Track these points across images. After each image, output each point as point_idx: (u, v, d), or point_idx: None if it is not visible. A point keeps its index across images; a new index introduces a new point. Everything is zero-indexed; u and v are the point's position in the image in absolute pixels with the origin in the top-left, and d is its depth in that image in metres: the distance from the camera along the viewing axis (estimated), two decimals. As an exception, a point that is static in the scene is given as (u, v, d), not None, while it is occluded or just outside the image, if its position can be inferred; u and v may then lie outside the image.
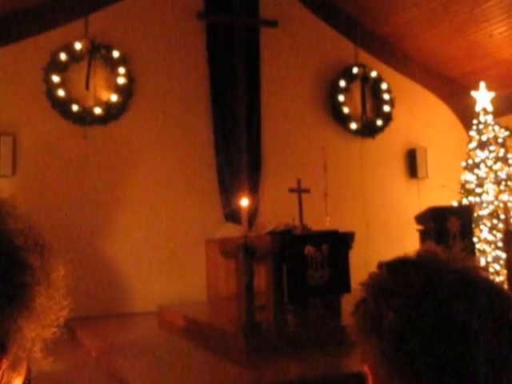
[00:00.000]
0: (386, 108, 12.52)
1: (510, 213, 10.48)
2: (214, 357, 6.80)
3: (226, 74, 11.16)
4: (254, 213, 10.92)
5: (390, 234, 11.69)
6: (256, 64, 11.48)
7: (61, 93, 10.10)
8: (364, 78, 12.44)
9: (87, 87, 10.28)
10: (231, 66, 11.17)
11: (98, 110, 10.29)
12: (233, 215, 10.53)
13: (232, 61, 11.17)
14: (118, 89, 10.46)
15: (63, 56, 10.15)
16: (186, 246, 10.55)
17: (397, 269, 0.89)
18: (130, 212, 10.43)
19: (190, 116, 10.99)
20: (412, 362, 0.81)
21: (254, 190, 11.03)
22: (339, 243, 7.39)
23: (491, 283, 0.87)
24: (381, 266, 0.93)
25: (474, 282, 0.84)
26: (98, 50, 10.38)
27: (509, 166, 11.29)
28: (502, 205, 10.49)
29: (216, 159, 11.07)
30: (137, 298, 10.23)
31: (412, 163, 12.76)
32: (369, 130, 12.36)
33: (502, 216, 10.58)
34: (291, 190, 8.46)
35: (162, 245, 10.48)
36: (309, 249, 6.91)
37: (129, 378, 5.84)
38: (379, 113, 12.51)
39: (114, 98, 10.39)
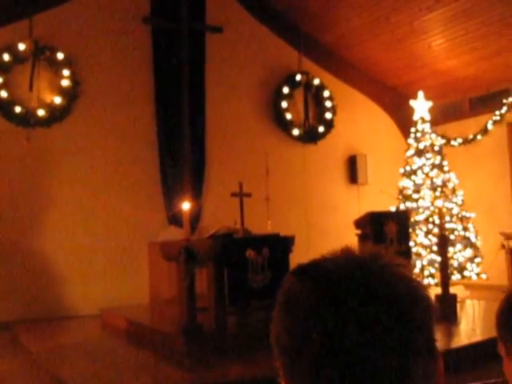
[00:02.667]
0: (328, 115, 12.82)
1: (444, 218, 10.89)
2: (155, 359, 6.84)
3: (170, 78, 11.22)
4: (197, 216, 11.01)
5: (330, 238, 11.95)
6: (201, 69, 11.57)
7: (3, 94, 9.96)
8: (307, 85, 12.70)
9: (31, 89, 10.16)
10: (176, 70, 11.23)
11: (41, 112, 10.19)
12: (176, 218, 10.58)
13: (177, 65, 11.23)
14: (62, 91, 10.38)
15: (6, 57, 10.01)
16: (128, 249, 10.55)
17: (304, 273, 0.85)
18: (72, 214, 10.36)
19: (134, 119, 10.99)
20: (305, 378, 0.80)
21: (197, 194, 11.12)
22: (280, 247, 7.54)
23: (408, 293, 0.83)
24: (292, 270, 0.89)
25: (386, 292, 0.80)
26: (42, 52, 10.27)
27: (444, 172, 11.72)
28: (437, 210, 10.89)
29: (160, 162, 11.11)
30: (79, 301, 10.17)
31: (352, 169, 13.11)
32: (311, 137, 12.62)
33: (437, 221, 10.98)
34: (233, 194, 8.58)
35: (104, 247, 10.44)
36: (250, 252, 7.03)
37: (70, 382, 5.83)
38: (321, 120, 12.79)
39: (57, 100, 10.31)
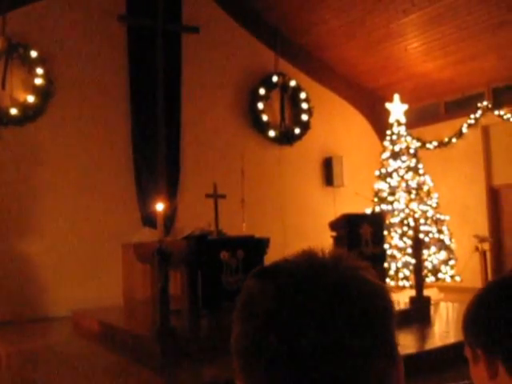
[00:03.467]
0: (304, 117, 12.83)
1: (419, 220, 10.96)
2: (128, 362, 6.77)
3: (146, 77, 11.14)
4: (172, 218, 10.94)
5: (306, 240, 11.92)
6: (177, 69, 11.50)
7: (-25, 92, 9.82)
8: (283, 86, 12.70)
9: (3, 87, 10.01)
10: (152, 69, 11.15)
11: (14, 111, 10.04)
12: (150, 219, 10.50)
13: (153, 65, 11.15)
14: (35, 90, 10.24)
15: (-22, 54, 9.87)
16: (102, 250, 10.43)
17: (264, 276, 0.84)
18: (44, 215, 10.22)
19: (108, 119, 10.89)
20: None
21: (172, 195, 11.04)
22: (255, 249, 7.53)
23: (369, 295, 0.82)
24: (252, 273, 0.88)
25: (347, 295, 0.79)
26: (15, 50, 10.12)
27: (419, 175, 11.79)
28: (412, 213, 10.96)
29: (134, 163, 11.02)
30: (51, 303, 10.03)
31: (328, 171, 13.13)
32: (287, 138, 12.63)
33: (412, 223, 11.05)
34: (207, 196, 8.54)
35: (77, 249, 10.32)
36: (224, 254, 7.01)
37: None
38: (297, 121, 12.80)
39: (30, 98, 10.17)
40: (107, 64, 10.95)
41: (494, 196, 12.72)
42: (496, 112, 12.18)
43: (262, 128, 12.41)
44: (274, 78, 12.61)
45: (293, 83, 12.79)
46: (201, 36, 11.62)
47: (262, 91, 12.43)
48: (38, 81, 10.23)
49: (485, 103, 12.38)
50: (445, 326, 8.29)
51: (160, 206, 6.81)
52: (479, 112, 12.42)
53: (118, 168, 10.88)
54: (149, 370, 6.29)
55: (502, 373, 1.22)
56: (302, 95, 12.86)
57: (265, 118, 12.42)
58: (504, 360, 1.23)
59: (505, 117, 12.03)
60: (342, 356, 0.76)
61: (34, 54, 10.21)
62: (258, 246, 7.65)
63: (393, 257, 11.21)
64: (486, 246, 10.95)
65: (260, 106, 12.37)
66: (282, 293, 0.80)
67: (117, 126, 10.95)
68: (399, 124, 12.08)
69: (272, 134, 12.47)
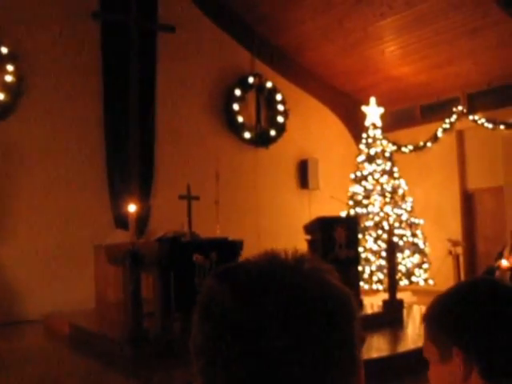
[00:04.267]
0: (280, 119, 12.80)
1: (393, 224, 11.00)
2: (100, 365, 6.70)
3: (120, 76, 11.00)
4: (145, 219, 10.82)
5: (280, 243, 11.86)
6: (152, 68, 11.39)
7: None
8: (259, 88, 12.66)
9: (-28, 84, 9.83)
10: (126, 68, 11.02)
11: (-17, 109, 9.86)
12: (123, 221, 10.38)
13: (127, 63, 11.03)
14: (5, 87, 10.05)
15: None
16: (74, 252, 10.28)
17: (226, 276, 0.84)
18: (15, 216, 10.05)
19: (81, 118, 10.74)
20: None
21: (145, 196, 10.93)
22: (228, 251, 7.46)
23: (331, 296, 0.82)
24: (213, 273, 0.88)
25: (308, 297, 0.80)
26: (-16, 46, 9.94)
27: (394, 179, 11.84)
28: (386, 216, 11.00)
29: (107, 163, 10.88)
30: (23, 306, 9.86)
31: (304, 174, 13.12)
32: (262, 140, 12.59)
33: (387, 227, 11.09)
34: (181, 197, 8.45)
35: (49, 250, 10.16)
36: (197, 256, 6.93)
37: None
38: (273, 123, 12.77)
39: (0, 96, 9.98)
40: (80, 62, 10.79)
41: (467, 200, 12.84)
42: (471, 117, 12.29)
43: (237, 129, 12.36)
44: (250, 79, 12.57)
45: (269, 84, 12.76)
46: (177, 35, 11.52)
47: (237, 92, 12.37)
48: (9, 78, 10.05)
49: (460, 108, 12.48)
50: (418, 328, 8.32)
51: (132, 208, 6.72)
52: (454, 116, 12.52)
53: (91, 169, 10.74)
54: (121, 373, 6.27)
55: (474, 373, 1.25)
56: (278, 97, 12.83)
57: (240, 119, 12.36)
58: (478, 360, 1.25)
59: (479, 122, 12.14)
60: (299, 358, 0.76)
61: (4, 50, 10.02)
62: (232, 248, 7.59)
63: (367, 260, 11.25)
64: (459, 250, 11.05)
65: (235, 107, 12.31)
66: (240, 293, 0.80)
67: (90, 126, 10.80)
68: (375, 127, 12.13)
69: (247, 135, 12.42)
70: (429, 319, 1.36)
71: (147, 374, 6.07)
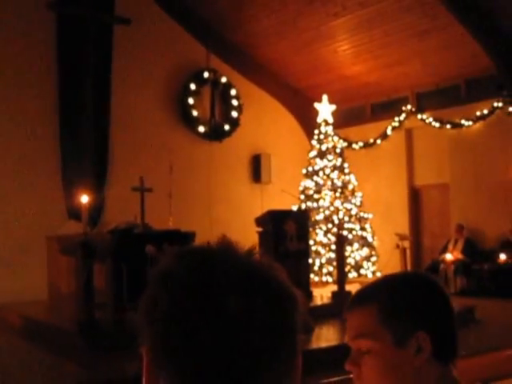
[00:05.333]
0: (234, 114, 12.95)
1: (343, 218, 11.28)
2: (52, 357, 6.68)
3: (76, 67, 10.94)
4: (99, 211, 10.83)
5: (233, 236, 11.93)
6: (107, 60, 11.36)
7: None
8: (214, 82, 12.77)
9: None
10: (82, 60, 10.96)
11: None
12: (76, 212, 10.35)
13: (83, 55, 10.97)
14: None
15: None
16: (26, 243, 10.21)
17: (183, 254, 0.86)
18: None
19: (35, 108, 10.67)
20: (176, 349, 0.79)
21: (99, 188, 10.92)
22: (180, 243, 7.53)
23: (278, 283, 0.85)
24: (171, 251, 0.89)
25: (259, 277, 0.83)
26: None
27: (345, 174, 12.13)
28: (336, 210, 11.26)
29: (61, 155, 10.84)
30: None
31: (256, 168, 13.31)
32: (216, 134, 12.70)
33: (337, 221, 11.37)
34: (134, 189, 8.50)
35: (0, 241, 10.08)
36: (149, 248, 7.00)
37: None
38: (227, 118, 12.91)
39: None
40: (35, 53, 10.72)
41: (414, 196, 13.24)
42: (419, 116, 12.65)
43: (191, 123, 12.45)
44: (205, 74, 12.67)
45: (224, 80, 12.88)
46: (133, 28, 11.51)
47: (192, 86, 12.46)
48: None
49: (409, 107, 12.84)
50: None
51: (85, 199, 6.76)
52: (403, 115, 12.87)
53: (45, 160, 10.68)
54: (72, 364, 6.23)
55: (427, 354, 1.27)
56: (233, 92, 12.97)
57: (195, 113, 12.46)
58: (437, 342, 1.28)
59: (427, 121, 12.52)
60: (252, 334, 0.79)
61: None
62: (184, 239, 7.67)
63: (317, 253, 11.49)
64: (406, 244, 11.41)
65: (190, 101, 12.40)
66: (197, 270, 0.82)
67: (44, 117, 10.74)
68: (327, 124, 12.38)
69: (202, 129, 12.53)
70: (383, 303, 1.31)
71: (98, 365, 6.07)
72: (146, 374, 0.85)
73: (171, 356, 0.81)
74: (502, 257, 10.92)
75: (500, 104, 11.48)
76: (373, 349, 1.29)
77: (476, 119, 11.87)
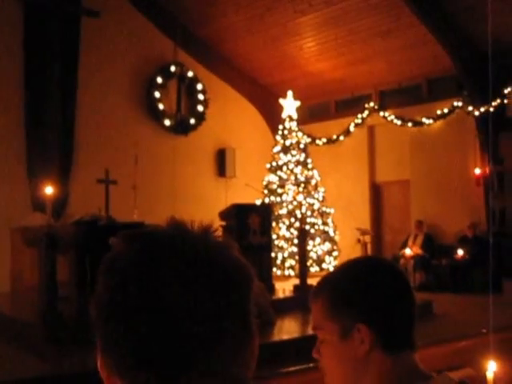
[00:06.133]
0: (200, 108, 13.01)
1: (305, 213, 11.44)
2: (14, 349, 6.64)
3: (42, 59, 10.85)
4: (63, 203, 10.78)
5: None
6: (74, 52, 11.29)
7: None
8: (181, 76, 12.81)
9: None
10: (48, 51, 10.87)
11: None
12: (41, 204, 10.29)
13: (50, 46, 10.88)
14: None
15: None
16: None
17: (131, 239, 0.85)
18: None
19: (0, 99, 10.55)
20: (119, 338, 0.79)
21: (64, 180, 10.87)
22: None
23: (227, 266, 0.84)
24: (121, 235, 0.87)
25: (206, 263, 0.82)
26: None
27: (308, 169, 12.29)
28: (299, 205, 11.40)
29: (26, 146, 10.75)
30: None
31: (221, 162, 13.41)
32: (182, 128, 12.75)
33: (299, 215, 11.52)
34: (99, 181, 8.52)
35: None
36: (113, 240, 6.98)
37: None
38: (193, 112, 12.96)
39: None
40: (1, 43, 10.58)
41: (376, 192, 13.49)
42: (381, 113, 12.90)
43: (157, 116, 12.47)
44: (172, 68, 12.70)
45: (190, 74, 12.92)
46: (101, 21, 11.45)
47: (159, 80, 12.48)
48: None
49: (371, 104, 13.07)
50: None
51: (49, 190, 6.75)
52: (366, 112, 13.10)
53: (9, 151, 10.59)
54: (35, 357, 6.20)
55: (376, 347, 1.28)
56: (199, 86, 13.02)
57: (161, 106, 12.48)
58: (381, 334, 1.29)
59: (389, 118, 12.77)
60: (197, 320, 0.79)
61: None
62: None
63: (280, 247, 11.63)
64: (367, 239, 11.62)
65: (157, 94, 12.42)
66: (145, 252, 0.81)
67: (9, 108, 10.64)
68: (291, 120, 12.52)
69: (167, 123, 12.56)
70: (327, 297, 1.34)
71: (61, 358, 6.06)
72: (99, 364, 0.84)
73: (115, 344, 0.79)
74: (460, 252, 11.20)
75: (460, 103, 11.77)
76: (324, 340, 1.34)
77: (436, 118, 12.16)
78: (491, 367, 2.31)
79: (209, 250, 0.84)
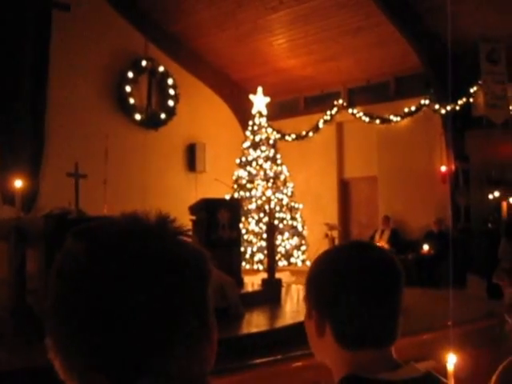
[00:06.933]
0: (171, 103, 13.04)
1: (274, 208, 11.54)
2: (-19, 343, 6.59)
3: (12, 52, 10.73)
4: (33, 196, 10.70)
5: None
6: (46, 45, 11.18)
7: None
8: (152, 71, 12.82)
9: None
10: (19, 44, 10.76)
11: None
12: (10, 197, 10.20)
13: (20, 39, 10.76)
14: None
15: None
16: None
17: (80, 236, 0.82)
18: None
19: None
20: (59, 337, 0.79)
21: (34, 173, 10.79)
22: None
23: (185, 253, 0.82)
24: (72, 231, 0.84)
25: (153, 263, 0.78)
26: None
27: (277, 165, 12.40)
28: (268, 200, 11.49)
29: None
30: None
31: (191, 157, 13.46)
32: (153, 123, 12.77)
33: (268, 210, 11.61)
34: (68, 175, 8.50)
35: None
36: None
37: None
38: (164, 107, 12.98)
39: None
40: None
41: (344, 188, 13.69)
42: (350, 110, 13.07)
43: (128, 111, 12.47)
44: (143, 63, 12.71)
45: (161, 69, 12.94)
46: (72, 14, 11.34)
47: (130, 74, 12.48)
48: None
49: (340, 101, 13.23)
50: (295, 306, 8.71)
51: (19, 183, 6.73)
52: (335, 109, 13.26)
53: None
54: (4, 351, 6.17)
55: (328, 335, 1.28)
56: (170, 81, 13.05)
57: (132, 101, 12.49)
58: (332, 328, 1.28)
59: (357, 115, 12.95)
60: (153, 316, 0.76)
61: None
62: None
63: (249, 241, 11.70)
64: (335, 234, 11.80)
65: (128, 88, 12.42)
66: (94, 253, 0.78)
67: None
68: (261, 115, 12.60)
69: (138, 117, 12.56)
70: (306, 280, 1.35)
71: (30, 352, 6.04)
72: (57, 366, 0.82)
73: (69, 346, 0.78)
74: (426, 248, 11.43)
75: (427, 101, 12.00)
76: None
77: (404, 115, 12.37)
78: (451, 359, 2.43)
79: (161, 245, 0.81)
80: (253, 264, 11.70)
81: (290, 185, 12.44)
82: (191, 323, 0.80)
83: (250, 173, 12.22)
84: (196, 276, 0.82)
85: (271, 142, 12.54)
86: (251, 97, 12.74)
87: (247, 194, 12.06)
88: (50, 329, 0.81)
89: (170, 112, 13.04)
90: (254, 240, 11.76)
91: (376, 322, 1.29)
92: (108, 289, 0.76)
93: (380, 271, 1.32)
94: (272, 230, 9.30)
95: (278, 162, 12.43)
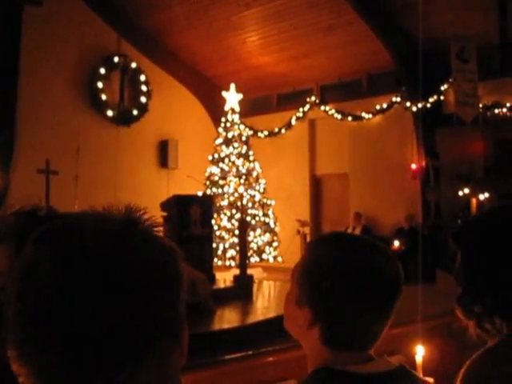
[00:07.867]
0: (143, 99, 13.02)
1: (246, 204, 11.58)
2: None
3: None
4: (4, 193, 10.59)
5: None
6: (16, 41, 11.04)
7: None
8: (124, 67, 12.77)
9: None
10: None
11: None
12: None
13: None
14: None
15: None
16: None
17: (38, 240, 0.78)
18: None
19: None
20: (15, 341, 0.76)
21: (5, 170, 10.68)
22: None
23: (153, 250, 0.78)
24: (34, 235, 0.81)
25: (117, 267, 0.74)
26: None
27: (250, 162, 12.44)
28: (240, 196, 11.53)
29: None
30: None
31: (163, 153, 13.44)
32: (125, 119, 12.72)
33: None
34: (39, 171, 8.44)
35: None
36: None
37: None
38: (136, 103, 12.94)
39: None
40: None
41: (316, 184, 13.78)
42: (322, 107, 13.16)
43: (100, 107, 12.40)
44: (116, 59, 12.66)
45: (134, 65, 12.90)
46: (44, 9, 11.22)
47: (102, 71, 12.42)
48: None
49: (313, 98, 13.32)
50: (266, 302, 8.76)
51: (-11, 180, 6.67)
52: (307, 106, 13.34)
53: None
54: None
55: (315, 330, 1.27)
56: (142, 78, 13.02)
57: (104, 97, 12.42)
58: (322, 328, 1.26)
59: (329, 112, 13.06)
60: (116, 318, 0.72)
61: None
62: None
63: (221, 238, 11.73)
64: (307, 230, 11.85)
65: (100, 85, 12.35)
66: (60, 272, 0.73)
67: None
68: (233, 112, 12.62)
69: (110, 113, 12.51)
70: (303, 266, 1.32)
71: (0, 349, 6.03)
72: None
73: (31, 353, 0.75)
74: (396, 244, 11.57)
75: (398, 99, 12.14)
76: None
77: (375, 112, 12.50)
78: (420, 352, 2.51)
79: (126, 244, 0.77)
80: (225, 260, 11.73)
81: (263, 181, 12.48)
82: (161, 324, 0.77)
83: (222, 169, 12.25)
84: (167, 277, 0.78)
85: (244, 138, 12.58)
86: (224, 93, 12.76)
87: (219, 191, 12.08)
88: (13, 343, 0.76)
89: (143, 108, 13.00)
90: (226, 236, 11.79)
91: (367, 329, 1.28)
92: (69, 297, 0.71)
93: (388, 283, 1.32)
94: (244, 227, 9.32)
95: (251, 158, 12.47)
